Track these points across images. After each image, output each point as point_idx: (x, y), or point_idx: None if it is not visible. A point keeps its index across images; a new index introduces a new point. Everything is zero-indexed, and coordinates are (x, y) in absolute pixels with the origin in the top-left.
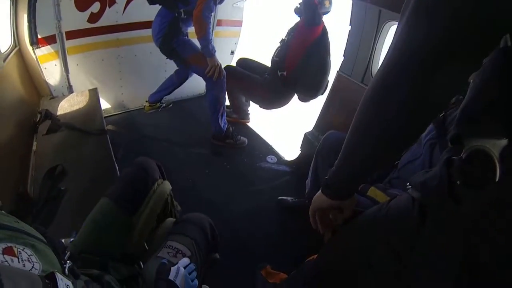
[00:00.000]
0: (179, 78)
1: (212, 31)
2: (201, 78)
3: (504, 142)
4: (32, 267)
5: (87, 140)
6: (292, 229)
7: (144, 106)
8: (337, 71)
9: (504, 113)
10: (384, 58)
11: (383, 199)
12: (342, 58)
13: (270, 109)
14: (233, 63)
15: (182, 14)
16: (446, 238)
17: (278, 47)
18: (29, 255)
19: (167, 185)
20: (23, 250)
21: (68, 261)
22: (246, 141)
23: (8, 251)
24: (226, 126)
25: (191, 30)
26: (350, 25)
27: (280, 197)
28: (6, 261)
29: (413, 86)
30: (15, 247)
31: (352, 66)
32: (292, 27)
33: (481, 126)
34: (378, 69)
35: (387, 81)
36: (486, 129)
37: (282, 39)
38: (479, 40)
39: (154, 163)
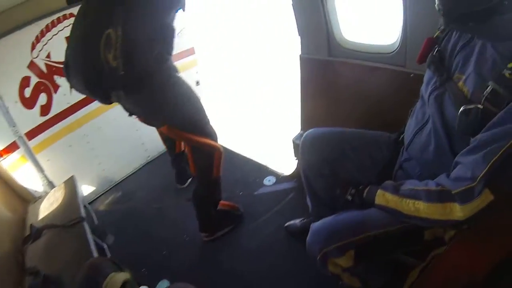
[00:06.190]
0: None
1: None
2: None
3: None
4: None
5: (66, 234)
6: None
7: None
8: (299, 55)
9: None
10: None
11: (397, 205)
12: (299, 38)
13: None
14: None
15: None
16: None
17: None
18: None
19: (121, 276)
20: None
21: None
22: None
23: None
24: None
25: None
26: None
27: (287, 223)
28: None
29: None
30: None
31: (312, 42)
32: None
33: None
34: None
35: None
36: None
37: None
38: None
39: (106, 260)
